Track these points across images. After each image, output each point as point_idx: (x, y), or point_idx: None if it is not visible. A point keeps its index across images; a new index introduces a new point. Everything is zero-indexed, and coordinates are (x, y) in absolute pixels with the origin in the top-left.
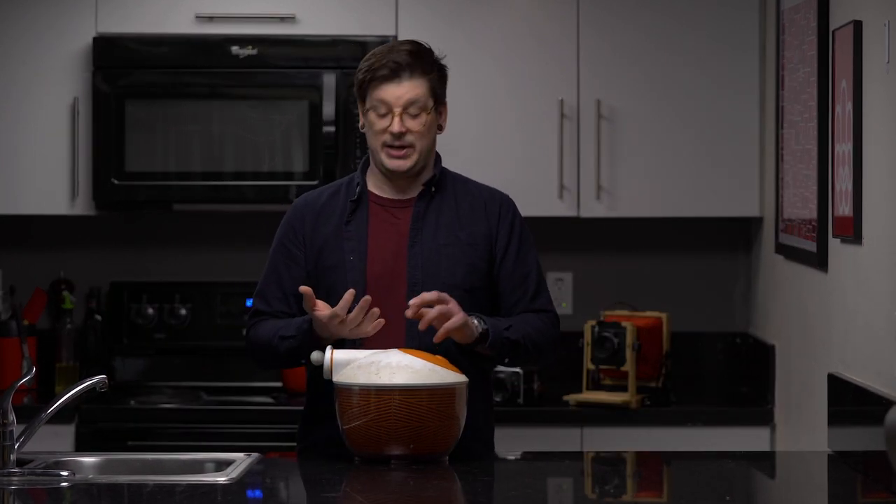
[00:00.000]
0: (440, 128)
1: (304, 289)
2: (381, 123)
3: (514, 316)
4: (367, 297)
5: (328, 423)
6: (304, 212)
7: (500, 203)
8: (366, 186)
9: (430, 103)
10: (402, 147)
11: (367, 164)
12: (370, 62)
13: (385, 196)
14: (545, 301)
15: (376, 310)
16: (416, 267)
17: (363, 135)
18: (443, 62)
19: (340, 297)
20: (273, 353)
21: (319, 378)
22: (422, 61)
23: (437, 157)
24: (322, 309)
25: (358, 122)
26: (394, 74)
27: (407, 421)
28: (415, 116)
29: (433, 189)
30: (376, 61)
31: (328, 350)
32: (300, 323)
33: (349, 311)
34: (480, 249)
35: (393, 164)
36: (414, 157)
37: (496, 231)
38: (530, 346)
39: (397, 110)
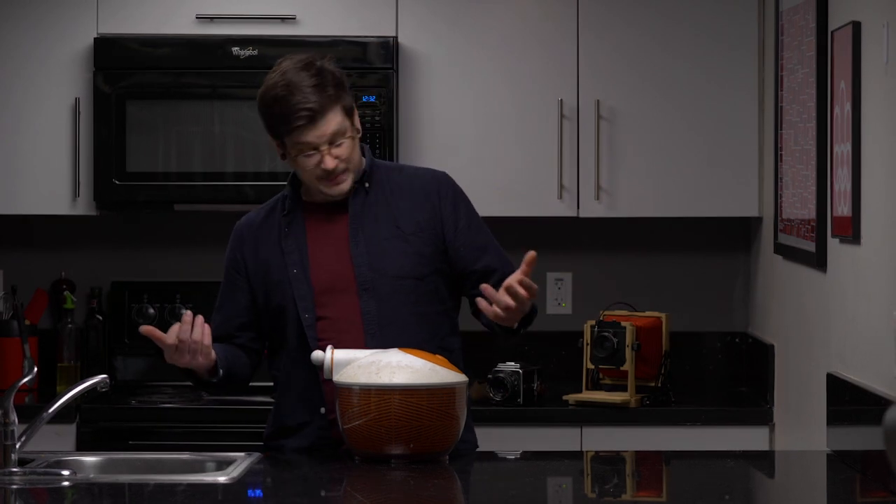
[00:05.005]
0: (358, 132)
1: (144, 329)
2: (311, 162)
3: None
4: (188, 312)
5: (295, 436)
6: (244, 235)
7: (437, 183)
8: (298, 198)
9: (347, 123)
10: (337, 175)
11: (296, 176)
12: (278, 109)
13: (318, 202)
14: (512, 265)
15: (199, 317)
16: (362, 265)
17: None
18: (333, 68)
19: (291, 312)
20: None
21: (283, 394)
22: (326, 91)
23: (366, 151)
24: (166, 338)
25: (276, 151)
26: (310, 121)
27: (407, 421)
28: (339, 145)
29: (367, 184)
30: (285, 110)
31: (328, 350)
32: None
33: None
34: (425, 235)
35: (334, 190)
36: (350, 178)
37: (440, 212)
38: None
39: (324, 148)
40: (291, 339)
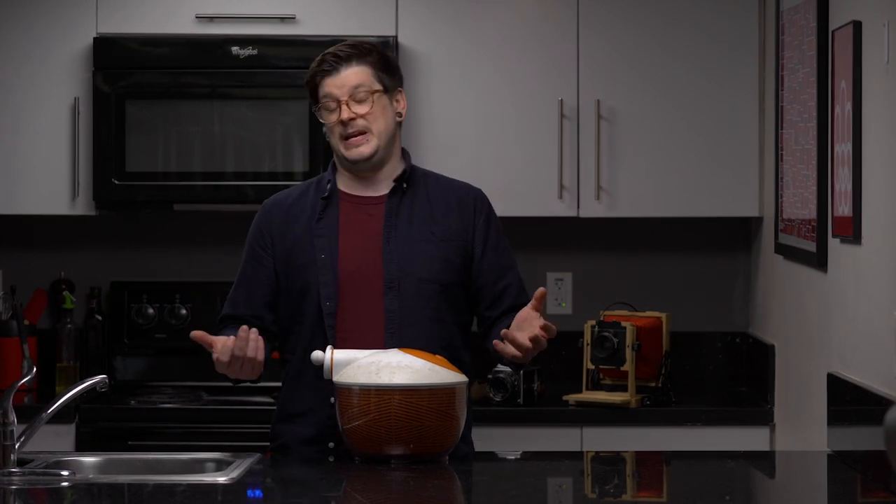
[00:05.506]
0: (399, 115)
1: (195, 334)
2: (332, 117)
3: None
4: (244, 327)
5: (301, 422)
6: (272, 213)
7: (474, 198)
8: (336, 185)
9: (377, 86)
10: (357, 134)
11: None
12: (313, 64)
13: (356, 194)
14: (528, 293)
15: (254, 331)
16: (391, 262)
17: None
18: (387, 54)
19: (313, 297)
20: None
21: (293, 378)
22: (359, 50)
23: (407, 154)
24: (218, 351)
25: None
26: (333, 67)
27: (407, 421)
28: (361, 101)
29: (405, 185)
30: (317, 62)
31: (328, 350)
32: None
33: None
34: (455, 244)
35: (352, 152)
36: (373, 142)
37: (472, 226)
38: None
39: (343, 99)
40: (308, 324)
